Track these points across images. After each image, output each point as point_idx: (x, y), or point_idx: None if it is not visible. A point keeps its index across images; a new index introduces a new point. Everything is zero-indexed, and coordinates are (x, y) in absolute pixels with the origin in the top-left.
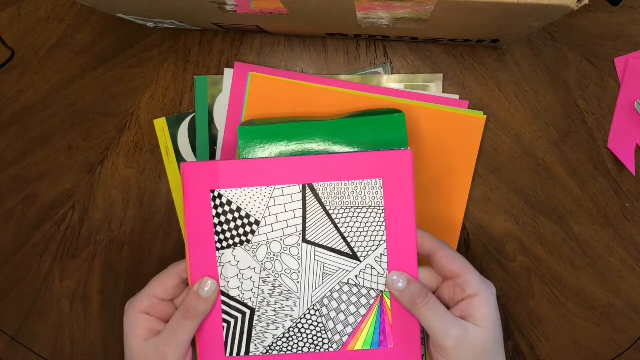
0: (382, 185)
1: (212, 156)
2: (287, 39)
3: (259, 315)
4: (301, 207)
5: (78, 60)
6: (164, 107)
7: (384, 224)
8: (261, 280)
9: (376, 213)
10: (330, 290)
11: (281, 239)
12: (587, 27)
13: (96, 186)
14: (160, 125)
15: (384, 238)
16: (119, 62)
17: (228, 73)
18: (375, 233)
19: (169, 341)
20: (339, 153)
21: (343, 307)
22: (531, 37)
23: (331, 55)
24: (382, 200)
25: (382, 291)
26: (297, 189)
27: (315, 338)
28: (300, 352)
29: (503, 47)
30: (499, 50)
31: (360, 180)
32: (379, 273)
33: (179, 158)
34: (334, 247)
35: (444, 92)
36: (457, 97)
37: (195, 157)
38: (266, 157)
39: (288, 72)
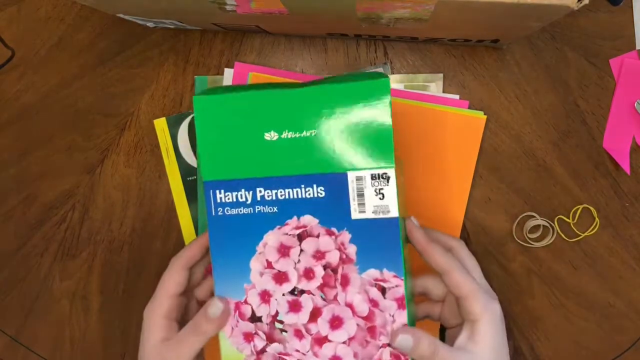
0: None
1: None
2: (287, 39)
3: None
4: None
5: (78, 60)
6: (164, 107)
7: None
8: None
9: None
10: None
11: None
12: (587, 27)
13: (96, 186)
14: (160, 125)
15: None
16: (119, 62)
17: (228, 73)
18: None
19: (172, 350)
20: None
21: None
22: (531, 37)
23: (331, 55)
24: None
25: None
26: None
27: None
28: None
29: (503, 47)
30: (499, 50)
31: None
32: None
33: (179, 158)
34: None
35: (444, 92)
36: (457, 97)
37: (195, 157)
38: None
39: (288, 72)
